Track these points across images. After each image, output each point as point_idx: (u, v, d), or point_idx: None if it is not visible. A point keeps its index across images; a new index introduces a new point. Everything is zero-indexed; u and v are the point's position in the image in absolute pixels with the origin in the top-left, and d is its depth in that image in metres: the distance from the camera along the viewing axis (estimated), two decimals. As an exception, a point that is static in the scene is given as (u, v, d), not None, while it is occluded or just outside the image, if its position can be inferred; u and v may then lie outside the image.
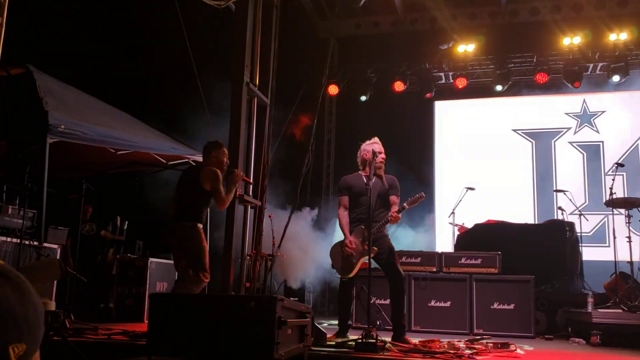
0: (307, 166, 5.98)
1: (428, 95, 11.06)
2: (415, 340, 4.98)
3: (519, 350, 4.80)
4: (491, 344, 4.76)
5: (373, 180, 5.17)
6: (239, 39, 5.72)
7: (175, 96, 9.16)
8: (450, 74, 11.11)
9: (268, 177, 5.99)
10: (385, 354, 4.24)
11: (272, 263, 7.23)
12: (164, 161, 7.97)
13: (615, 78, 10.14)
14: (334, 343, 4.64)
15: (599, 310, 6.49)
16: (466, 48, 10.70)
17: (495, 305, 6.87)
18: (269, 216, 7.46)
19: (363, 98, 11.21)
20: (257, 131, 5.92)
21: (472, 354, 4.29)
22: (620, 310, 6.44)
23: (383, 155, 5.37)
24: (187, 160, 7.80)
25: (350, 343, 4.48)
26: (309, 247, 8.53)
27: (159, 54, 8.86)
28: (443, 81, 11.35)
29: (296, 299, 7.12)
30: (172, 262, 5.63)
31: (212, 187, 4.87)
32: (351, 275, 5.29)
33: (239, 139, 5.48)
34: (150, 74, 9.25)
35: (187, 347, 3.40)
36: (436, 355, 4.13)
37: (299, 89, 6.96)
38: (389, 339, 4.77)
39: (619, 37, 9.82)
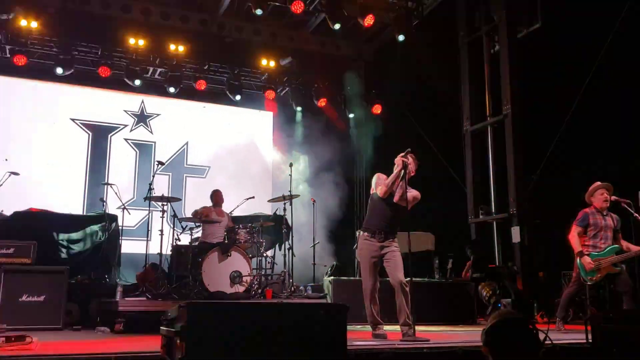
0: None
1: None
2: None
3: (35, 342, 4.70)
4: (3, 338, 4.52)
5: None
6: None
7: None
8: (8, 47, 10.19)
9: None
10: None
11: None
12: None
13: (171, 89, 11.03)
14: None
15: (126, 298, 6.95)
16: (30, 24, 9.95)
17: (24, 298, 6.55)
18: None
19: None
20: None
21: (-24, 350, 4.00)
22: (145, 298, 7.04)
23: None
24: None
25: None
26: None
27: None
28: (-1, 54, 10.33)
29: None
30: None
31: None
32: None
33: None
34: None
35: None
36: None
37: None
38: None
39: (177, 49, 10.74)
